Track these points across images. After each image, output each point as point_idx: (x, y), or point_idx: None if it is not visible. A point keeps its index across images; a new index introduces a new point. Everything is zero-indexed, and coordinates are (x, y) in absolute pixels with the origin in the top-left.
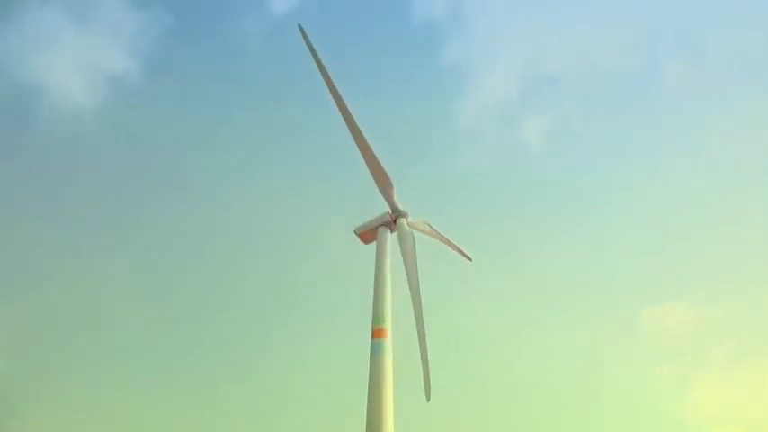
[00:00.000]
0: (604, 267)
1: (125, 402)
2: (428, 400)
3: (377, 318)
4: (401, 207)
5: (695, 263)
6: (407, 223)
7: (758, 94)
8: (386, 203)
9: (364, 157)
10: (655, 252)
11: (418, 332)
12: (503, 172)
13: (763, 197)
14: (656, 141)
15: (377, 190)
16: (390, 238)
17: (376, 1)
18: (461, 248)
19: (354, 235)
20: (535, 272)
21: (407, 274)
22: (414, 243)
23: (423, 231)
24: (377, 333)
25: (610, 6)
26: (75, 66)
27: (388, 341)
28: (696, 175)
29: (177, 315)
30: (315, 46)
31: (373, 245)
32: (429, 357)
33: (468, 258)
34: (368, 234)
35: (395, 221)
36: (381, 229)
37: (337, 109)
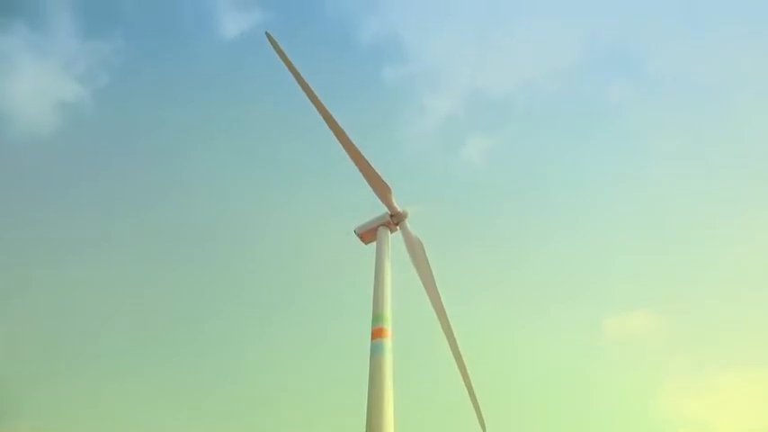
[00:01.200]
0: (578, 277)
1: (125, 402)
2: (484, 431)
3: (377, 318)
4: (400, 209)
5: (667, 273)
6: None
7: (702, 116)
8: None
9: (357, 165)
10: (625, 262)
11: (458, 365)
12: (448, 191)
13: (730, 208)
14: (605, 161)
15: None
16: (390, 238)
17: (321, 25)
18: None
19: (354, 235)
20: (517, 278)
21: (426, 291)
22: (424, 253)
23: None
24: (377, 333)
25: (552, 26)
26: (35, 94)
27: (388, 341)
28: (651, 190)
29: (176, 316)
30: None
31: (373, 245)
32: (474, 387)
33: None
34: (368, 234)
35: (396, 224)
36: (381, 229)
37: (322, 118)
